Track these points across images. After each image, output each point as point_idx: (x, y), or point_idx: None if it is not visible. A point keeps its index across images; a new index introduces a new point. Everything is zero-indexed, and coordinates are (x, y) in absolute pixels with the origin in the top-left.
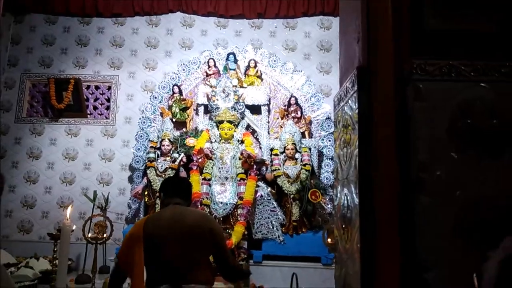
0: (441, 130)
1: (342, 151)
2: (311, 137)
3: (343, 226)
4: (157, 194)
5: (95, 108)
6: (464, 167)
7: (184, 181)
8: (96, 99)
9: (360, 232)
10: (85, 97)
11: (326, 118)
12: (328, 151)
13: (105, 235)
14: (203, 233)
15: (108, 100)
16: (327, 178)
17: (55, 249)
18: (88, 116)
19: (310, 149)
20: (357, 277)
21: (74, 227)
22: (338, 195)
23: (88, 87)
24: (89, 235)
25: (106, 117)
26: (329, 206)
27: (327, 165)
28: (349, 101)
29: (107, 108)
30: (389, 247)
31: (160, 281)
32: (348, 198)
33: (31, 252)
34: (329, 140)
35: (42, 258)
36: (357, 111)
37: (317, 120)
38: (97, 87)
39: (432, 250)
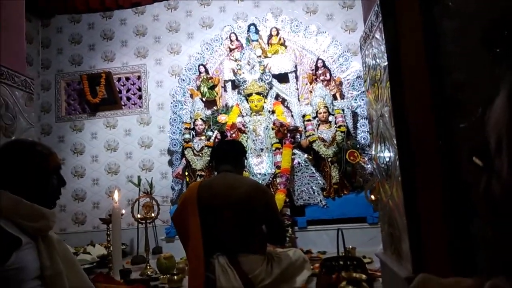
0: (474, 44)
1: (373, 93)
2: (343, 98)
3: (385, 172)
4: (197, 173)
5: (128, 98)
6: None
7: (235, 146)
8: (128, 90)
9: (399, 163)
10: (117, 89)
11: (356, 77)
12: (362, 110)
13: (153, 214)
14: (257, 205)
15: (140, 89)
16: (364, 138)
17: (108, 233)
18: (123, 107)
19: (343, 110)
20: (402, 209)
21: (124, 211)
22: (375, 131)
23: (119, 79)
24: (138, 216)
25: (140, 106)
26: (369, 165)
27: (363, 125)
28: (375, 35)
29: (140, 97)
30: (430, 173)
31: (215, 248)
32: (385, 132)
33: (87, 242)
34: (362, 99)
35: (98, 245)
36: (384, 41)
37: (348, 80)
38: (127, 78)
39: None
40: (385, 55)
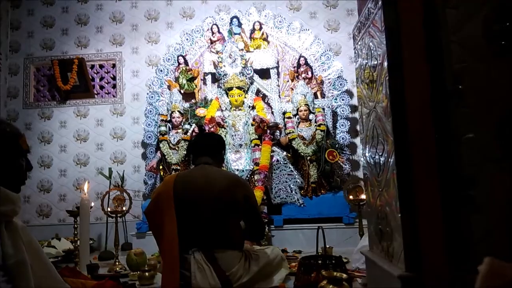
0: (476, 35)
1: (365, 90)
2: (324, 97)
3: (375, 169)
4: (173, 167)
5: (101, 87)
6: (503, 71)
7: (213, 138)
8: (101, 78)
9: (396, 160)
10: (90, 76)
11: (337, 77)
12: (342, 110)
13: (124, 208)
14: (237, 199)
15: (114, 78)
16: (343, 138)
17: (76, 226)
18: (96, 96)
19: (323, 109)
20: (396, 211)
21: (93, 203)
22: (365, 128)
23: (92, 66)
24: (108, 209)
25: (114, 96)
26: (347, 166)
27: (342, 125)
28: (372, 25)
29: (114, 86)
30: (427, 170)
31: (190, 244)
32: (378, 127)
33: (52, 235)
34: (342, 99)
35: (63, 239)
36: (383, 28)
37: (329, 79)
38: (101, 66)
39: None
40: (384, 44)
